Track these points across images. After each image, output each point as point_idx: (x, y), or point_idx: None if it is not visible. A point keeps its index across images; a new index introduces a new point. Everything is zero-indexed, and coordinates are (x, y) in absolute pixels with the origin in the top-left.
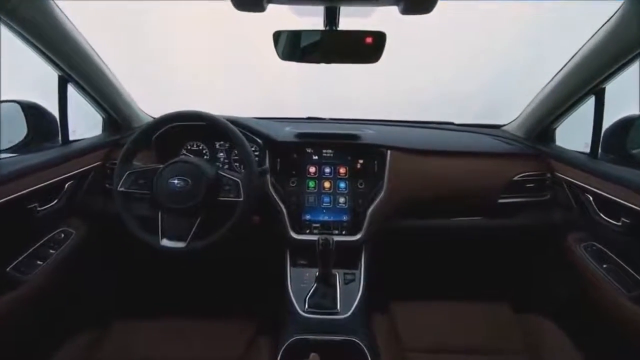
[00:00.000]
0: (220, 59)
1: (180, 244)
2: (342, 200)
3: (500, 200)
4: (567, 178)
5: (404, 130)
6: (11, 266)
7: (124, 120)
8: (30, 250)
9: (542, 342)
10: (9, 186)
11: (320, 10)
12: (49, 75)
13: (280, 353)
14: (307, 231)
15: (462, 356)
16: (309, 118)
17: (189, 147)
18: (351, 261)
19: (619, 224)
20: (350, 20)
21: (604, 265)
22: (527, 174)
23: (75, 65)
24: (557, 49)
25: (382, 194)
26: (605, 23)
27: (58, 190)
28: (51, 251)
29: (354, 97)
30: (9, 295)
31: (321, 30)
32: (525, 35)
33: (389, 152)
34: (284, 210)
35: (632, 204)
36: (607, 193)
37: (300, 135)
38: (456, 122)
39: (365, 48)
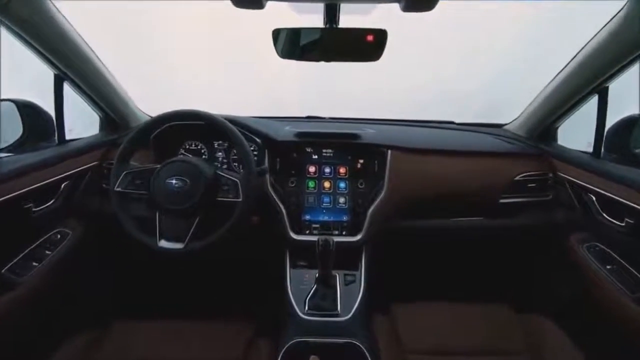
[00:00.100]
0: (218, 57)
1: (178, 245)
2: (342, 200)
3: (502, 200)
4: (570, 178)
5: (405, 129)
6: (6, 268)
7: (122, 120)
8: (26, 251)
9: (543, 343)
10: (4, 186)
11: (320, 7)
12: (46, 73)
13: (280, 355)
14: (307, 232)
15: (464, 358)
16: (308, 117)
17: (187, 147)
18: (351, 262)
19: (622, 224)
20: (350, 17)
21: (607, 266)
22: (529, 173)
23: (71, 64)
24: (558, 48)
25: (382, 194)
26: (610, 21)
27: (54, 191)
28: (47, 252)
29: (354, 95)
30: (6, 297)
31: (321, 28)
32: (525, 35)
33: (389, 151)
34: (284, 211)
35: (636, 204)
36: (610, 193)
37: (299, 135)
38: (457, 121)
39: (366, 46)
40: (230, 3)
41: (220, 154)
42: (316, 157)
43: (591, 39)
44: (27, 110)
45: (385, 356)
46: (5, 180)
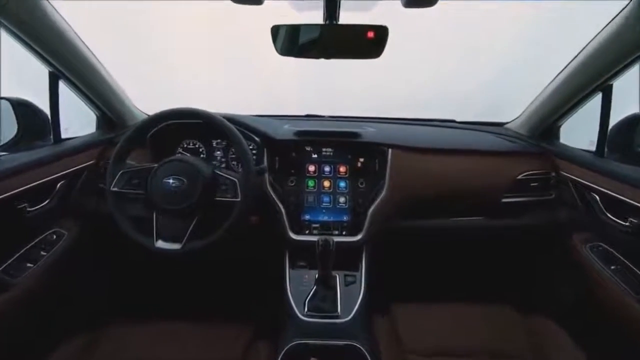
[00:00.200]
0: (217, 55)
1: (175, 246)
2: (342, 199)
3: (504, 200)
4: (573, 177)
5: (405, 128)
6: (1, 269)
7: (118, 118)
8: (21, 252)
9: (546, 344)
10: None
11: (320, 3)
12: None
13: (280, 358)
14: (307, 232)
15: (465, 359)
16: (307, 116)
17: (185, 146)
18: (352, 262)
19: (627, 224)
20: (351, 14)
21: (611, 266)
22: (531, 172)
23: (66, 61)
24: (558, 47)
25: (383, 194)
26: (614, 18)
27: (49, 190)
28: (42, 253)
29: (354, 94)
30: (0, 299)
31: (321, 25)
32: (526, 34)
33: (390, 150)
34: (283, 210)
35: None
36: (614, 192)
37: (299, 133)
38: (457, 119)
39: (367, 43)
40: (229, 1)
41: (218, 153)
42: (316, 156)
43: (595, 37)
44: (22, 108)
45: (386, 358)
46: None
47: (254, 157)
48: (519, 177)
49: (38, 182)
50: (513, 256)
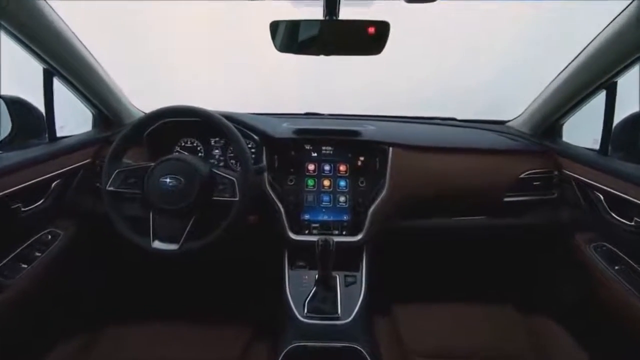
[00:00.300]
0: (215, 52)
1: (172, 246)
2: (342, 199)
3: (506, 199)
4: (576, 175)
5: (406, 126)
6: None
7: (115, 116)
8: (15, 252)
9: (548, 344)
10: None
11: None
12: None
13: None
14: (306, 231)
15: None
16: (307, 114)
17: (182, 144)
18: (352, 263)
19: (632, 223)
20: (351, 9)
21: (615, 267)
22: (533, 171)
23: (60, 58)
24: (558, 47)
25: (383, 193)
26: (619, 15)
27: (44, 190)
28: (37, 253)
29: (354, 92)
30: None
31: (320, 20)
32: (526, 33)
33: (390, 149)
34: (282, 210)
35: None
36: (618, 191)
37: (298, 132)
38: (458, 117)
39: (367, 39)
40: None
41: (216, 151)
42: (315, 154)
43: (599, 34)
44: (16, 106)
45: None
46: None
47: (253, 155)
48: (521, 175)
49: (33, 182)
50: (515, 256)
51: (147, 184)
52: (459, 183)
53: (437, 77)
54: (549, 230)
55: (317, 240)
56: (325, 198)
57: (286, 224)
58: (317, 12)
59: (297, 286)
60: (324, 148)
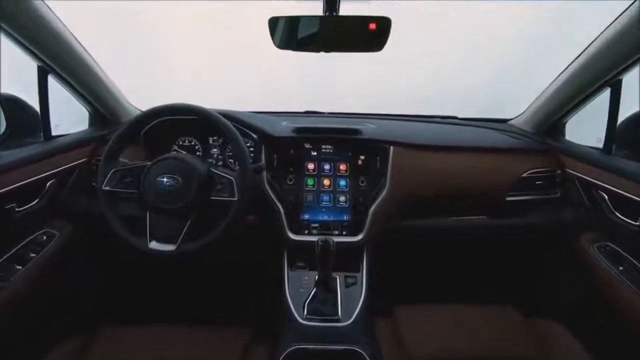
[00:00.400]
0: (213, 50)
1: (170, 247)
2: (342, 198)
3: (508, 198)
4: (579, 174)
5: (407, 124)
6: None
7: (111, 115)
8: (9, 253)
9: (551, 346)
10: None
11: None
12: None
13: None
14: (306, 231)
15: None
16: (306, 112)
17: (180, 143)
18: (352, 263)
19: (637, 223)
20: (351, 5)
21: (619, 267)
22: (536, 170)
23: (55, 55)
24: (558, 45)
25: (384, 192)
26: (624, 12)
27: (39, 189)
28: (32, 254)
29: (354, 90)
30: None
31: (320, 16)
32: (526, 32)
33: (391, 147)
34: (281, 210)
35: None
36: (623, 190)
37: (298, 130)
38: (459, 116)
39: (368, 35)
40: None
41: (215, 150)
42: (315, 153)
43: (604, 30)
44: (11, 104)
45: None
46: None
47: (252, 154)
48: (524, 175)
49: (27, 181)
50: (517, 256)
51: (143, 184)
52: (461, 182)
53: (437, 75)
54: (551, 230)
55: (317, 241)
56: (325, 197)
57: (285, 224)
58: (317, 8)
59: (297, 287)
60: (323, 147)
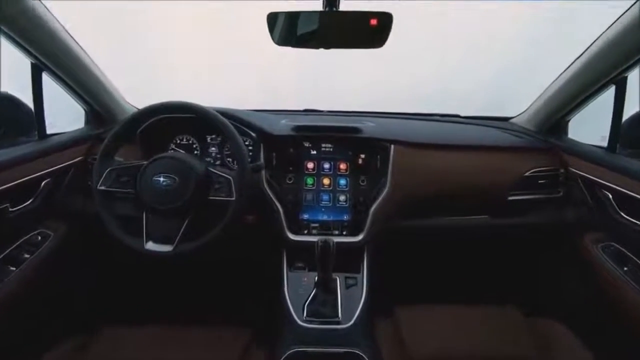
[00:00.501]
0: (212, 47)
1: (166, 248)
2: (342, 198)
3: (511, 198)
4: (583, 173)
5: (407, 123)
6: None
7: (108, 113)
8: (3, 254)
9: (554, 346)
10: None
11: None
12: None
13: None
14: (305, 231)
15: None
16: (306, 110)
17: (177, 142)
18: (353, 264)
19: None
20: (352, 1)
21: (624, 268)
22: (539, 169)
23: (49, 52)
24: (559, 45)
25: (385, 191)
26: (629, 8)
27: (34, 189)
28: (26, 255)
29: (354, 87)
30: None
31: (320, 12)
32: (527, 32)
33: (392, 146)
34: (280, 209)
35: None
36: (627, 190)
37: (297, 128)
38: (461, 114)
39: (369, 31)
40: None
41: (213, 149)
42: (315, 152)
43: (609, 27)
44: (5, 103)
45: None
46: None
47: (250, 153)
48: (526, 174)
49: (21, 180)
50: (519, 256)
51: (139, 183)
52: (463, 181)
53: (438, 73)
54: (554, 229)
55: (317, 242)
56: (325, 197)
57: (284, 224)
58: (316, 4)
59: (296, 288)
60: (323, 145)
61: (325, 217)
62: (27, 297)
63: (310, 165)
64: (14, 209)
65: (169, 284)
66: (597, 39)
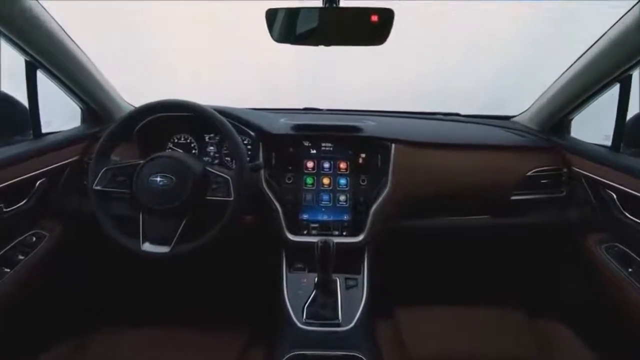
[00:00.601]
0: (211, 46)
1: (163, 249)
2: (342, 198)
3: (513, 198)
4: (586, 173)
5: (408, 121)
6: None
7: (104, 111)
8: None
9: (555, 348)
10: None
11: None
12: None
13: None
14: (305, 232)
15: None
16: (305, 109)
17: (175, 141)
18: (353, 265)
19: None
20: None
21: (629, 269)
22: (541, 168)
23: (44, 50)
24: (559, 44)
25: (386, 191)
26: (635, 5)
27: (28, 189)
28: (21, 256)
29: (354, 86)
30: None
31: (320, 8)
32: (527, 31)
33: (393, 145)
34: (279, 209)
35: None
36: (632, 189)
37: (296, 127)
38: (462, 113)
39: (370, 27)
40: None
41: (211, 148)
42: (314, 151)
43: (614, 25)
44: None
45: None
46: None
47: (249, 152)
48: (529, 173)
49: (15, 180)
50: (521, 257)
51: (136, 183)
52: (464, 181)
53: (439, 72)
54: (557, 230)
55: (317, 242)
56: (325, 197)
57: (284, 224)
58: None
59: (296, 290)
60: (323, 144)
61: (325, 217)
62: (22, 299)
63: (310, 164)
64: (8, 209)
65: (166, 285)
66: (601, 37)
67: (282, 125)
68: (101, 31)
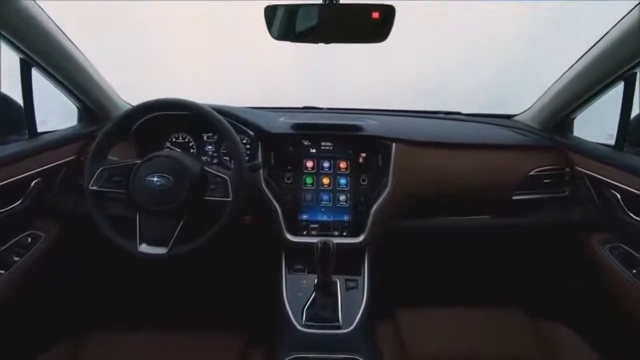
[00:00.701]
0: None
1: (161, 250)
2: (342, 198)
3: (515, 197)
4: (589, 172)
5: (409, 120)
6: None
7: (101, 110)
8: None
9: (557, 348)
10: None
11: None
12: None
13: None
14: (305, 232)
15: None
16: (305, 108)
17: (173, 140)
18: (353, 266)
19: None
20: None
21: (633, 270)
22: (544, 168)
23: (40, 48)
24: (559, 44)
25: (386, 191)
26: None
27: (23, 189)
28: (16, 257)
29: (354, 84)
30: None
31: (320, 4)
32: (528, 31)
33: (393, 144)
34: (279, 209)
35: None
36: (636, 189)
37: (296, 126)
38: (463, 111)
39: (371, 25)
40: None
41: (209, 147)
42: (314, 150)
43: (617, 23)
44: None
45: None
46: None
47: (248, 152)
48: (531, 173)
49: (10, 180)
50: (523, 257)
51: (132, 183)
52: (466, 180)
53: (440, 70)
54: (559, 230)
55: (317, 243)
56: (325, 197)
57: (283, 225)
58: None
59: (295, 291)
60: (323, 144)
61: (325, 218)
62: (18, 300)
63: (309, 164)
64: (3, 209)
65: (163, 286)
66: (604, 35)
67: (281, 124)
68: (101, 31)
